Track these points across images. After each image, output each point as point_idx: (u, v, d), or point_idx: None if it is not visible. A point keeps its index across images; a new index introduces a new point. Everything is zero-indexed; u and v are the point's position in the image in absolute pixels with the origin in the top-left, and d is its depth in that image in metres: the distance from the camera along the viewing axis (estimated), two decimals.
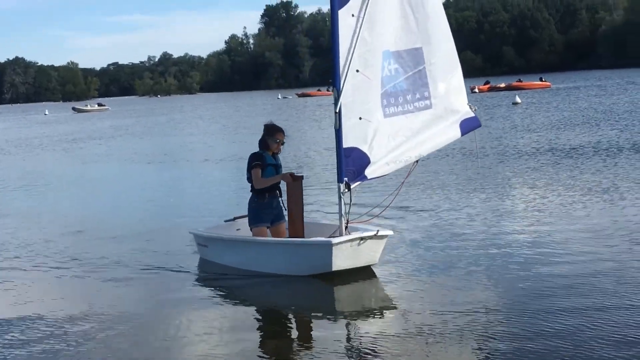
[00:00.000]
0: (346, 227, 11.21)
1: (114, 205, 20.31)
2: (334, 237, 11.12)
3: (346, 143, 11.05)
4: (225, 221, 13.24)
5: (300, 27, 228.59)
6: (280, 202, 11.83)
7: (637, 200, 15.54)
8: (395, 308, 9.76)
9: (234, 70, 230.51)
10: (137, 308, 10.33)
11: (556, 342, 7.97)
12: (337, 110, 11.00)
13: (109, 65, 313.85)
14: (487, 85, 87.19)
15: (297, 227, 11.58)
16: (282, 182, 11.76)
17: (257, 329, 9.48)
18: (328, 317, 9.70)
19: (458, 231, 13.63)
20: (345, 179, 11.03)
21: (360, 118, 11.05)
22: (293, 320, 9.84)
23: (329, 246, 10.80)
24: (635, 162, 21.05)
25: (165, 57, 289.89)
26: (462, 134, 11.71)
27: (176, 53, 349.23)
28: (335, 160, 11.19)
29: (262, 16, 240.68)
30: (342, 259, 10.93)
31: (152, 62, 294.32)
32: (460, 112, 11.66)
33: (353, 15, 10.93)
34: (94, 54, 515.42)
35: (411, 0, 11.28)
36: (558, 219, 14.21)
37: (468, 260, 11.54)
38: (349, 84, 10.98)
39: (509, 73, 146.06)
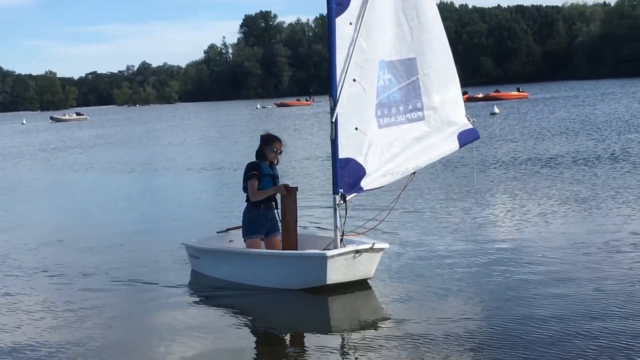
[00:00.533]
0: (341, 240, 10.98)
1: (94, 214, 20.35)
2: (328, 249, 10.87)
3: (342, 154, 10.83)
4: (218, 232, 13.08)
5: (279, 37, 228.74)
6: (276, 213, 11.64)
7: (614, 209, 15.80)
8: (391, 322, 9.52)
9: (213, 79, 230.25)
10: (122, 322, 10.14)
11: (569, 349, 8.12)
12: (334, 120, 10.77)
13: (87, 74, 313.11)
14: (465, 96, 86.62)
15: (291, 239, 11.36)
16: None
17: (249, 344, 9.33)
18: (322, 331, 9.54)
19: (452, 242, 13.56)
20: (341, 190, 10.83)
21: (356, 128, 10.84)
22: (286, 335, 9.61)
23: (323, 259, 10.52)
24: (612, 171, 21.27)
25: (144, 66, 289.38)
26: (460, 146, 11.59)
27: (155, 62, 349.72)
28: (328, 171, 11.32)
29: (241, 26, 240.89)
30: (337, 273, 10.67)
31: (130, 71, 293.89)
32: (457, 124, 11.54)
33: (351, 24, 10.70)
34: (72, 63, 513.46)
35: (406, 10, 11.13)
36: (542, 228, 14.37)
37: (462, 273, 11.44)
38: (345, 93, 10.73)
39: (487, 83, 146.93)
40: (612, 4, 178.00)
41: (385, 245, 11.23)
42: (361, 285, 10.93)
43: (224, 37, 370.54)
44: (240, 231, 11.97)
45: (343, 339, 9.16)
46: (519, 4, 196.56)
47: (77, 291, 11.79)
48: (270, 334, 9.65)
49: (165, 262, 13.47)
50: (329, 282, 10.62)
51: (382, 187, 11.29)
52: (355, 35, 10.69)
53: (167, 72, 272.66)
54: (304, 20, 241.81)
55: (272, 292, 10.95)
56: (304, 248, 11.40)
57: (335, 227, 10.96)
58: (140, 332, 9.76)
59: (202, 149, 42.55)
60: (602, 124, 38.55)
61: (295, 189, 11.46)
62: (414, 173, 11.37)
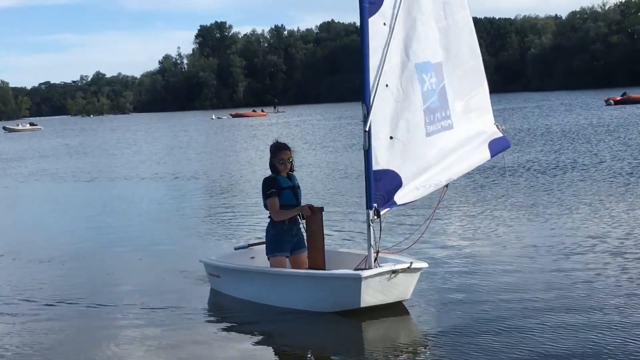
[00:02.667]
0: (375, 259, 9.98)
1: (51, 225, 20.45)
2: (361, 269, 9.96)
3: (375, 165, 9.87)
4: (236, 248, 12.30)
5: (235, 47, 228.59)
6: (301, 228, 10.74)
7: (568, 216, 16.31)
8: (429, 349, 8.72)
9: (168, 90, 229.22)
10: (144, 344, 9.46)
11: None
12: (367, 129, 9.83)
13: (40, 84, 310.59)
14: None
15: (318, 258, 10.52)
16: None
17: None
18: (354, 358, 8.82)
19: (497, 259, 12.80)
20: (375, 205, 9.88)
21: (391, 137, 9.93)
22: None
23: (357, 280, 9.58)
24: (572, 179, 21.82)
25: (98, 76, 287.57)
26: (492, 156, 10.77)
27: (109, 72, 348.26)
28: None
29: (196, 36, 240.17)
30: (372, 294, 9.76)
31: (84, 81, 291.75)
32: (486, 133, 10.76)
33: (385, 24, 9.87)
34: (24, 72, 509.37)
35: (439, 11, 10.38)
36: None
37: (509, 294, 10.59)
38: (378, 100, 9.84)
39: None
40: (564, 17, 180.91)
41: (424, 265, 10.29)
42: (397, 307, 10.08)
43: (178, 48, 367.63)
44: (262, 247, 11.21)
45: None
46: (473, 16, 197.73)
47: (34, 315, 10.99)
48: (296, 359, 9.00)
49: (174, 281, 12.69)
50: (363, 305, 9.74)
51: (414, 201, 10.35)
52: (390, 36, 9.88)
53: (121, 83, 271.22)
54: (259, 31, 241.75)
55: (300, 314, 10.10)
56: (332, 266, 10.50)
57: (369, 245, 9.98)
58: (159, 356, 9.05)
59: (158, 158, 42.56)
60: (558, 134, 39.46)
61: (321, 209, 10.63)
62: (447, 186, 10.42)
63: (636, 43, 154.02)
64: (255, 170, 31.39)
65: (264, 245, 11.07)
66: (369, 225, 9.92)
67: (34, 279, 13.24)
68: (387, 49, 9.82)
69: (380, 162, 9.86)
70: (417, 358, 8.54)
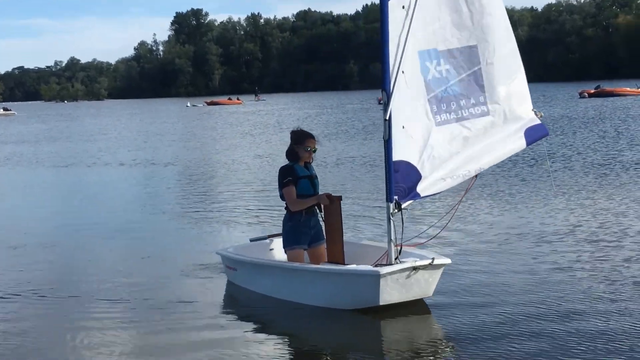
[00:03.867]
0: (397, 256, 9.54)
1: (25, 211, 20.38)
2: (381, 264, 9.53)
3: (395, 155, 9.42)
4: (251, 240, 11.73)
5: (211, 35, 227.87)
6: (320, 219, 10.29)
7: (540, 206, 16.48)
8: (452, 350, 8.25)
9: (143, 77, 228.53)
10: (155, 339, 9.00)
11: None
12: (387, 118, 9.34)
13: (13, 69, 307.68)
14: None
15: (337, 250, 10.04)
16: None
17: None
18: (373, 358, 8.32)
19: (527, 255, 12.16)
20: (395, 197, 9.40)
21: (403, 127, 9.45)
22: None
23: (376, 277, 9.11)
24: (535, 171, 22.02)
25: (73, 62, 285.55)
26: (528, 144, 10.05)
27: (84, 58, 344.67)
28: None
29: (172, 23, 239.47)
30: (391, 292, 9.28)
31: (58, 67, 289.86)
32: (524, 120, 10.03)
33: (403, 7, 9.34)
34: None
35: None
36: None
37: (537, 292, 10.06)
38: (395, 87, 9.36)
39: None
40: (540, 9, 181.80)
41: (447, 261, 9.66)
42: (418, 306, 9.56)
43: (154, 34, 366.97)
44: (281, 238, 10.70)
45: None
46: None
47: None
48: (309, 357, 8.47)
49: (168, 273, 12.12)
50: (382, 303, 9.25)
51: (441, 192, 9.85)
52: (409, 20, 9.34)
53: (96, 69, 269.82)
54: (235, 18, 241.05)
55: (317, 311, 9.63)
56: (351, 260, 10.12)
57: (390, 239, 9.51)
58: (168, 350, 8.61)
59: (133, 145, 42.42)
60: None
61: (339, 198, 10.07)
62: (476, 176, 9.82)
63: (611, 36, 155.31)
64: (235, 158, 31.45)
65: None
66: (389, 219, 9.45)
67: (13, 266, 12.94)
68: (407, 35, 9.32)
69: (398, 152, 9.42)
70: (436, 356, 8.08)
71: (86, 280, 11.72)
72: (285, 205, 10.22)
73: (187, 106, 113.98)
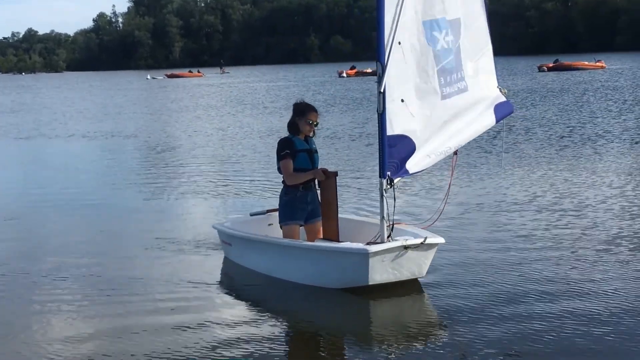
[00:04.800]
0: (390, 233, 9.28)
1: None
2: (373, 242, 9.22)
3: (390, 130, 9.07)
4: (251, 214, 11.29)
5: (171, 7, 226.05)
6: (317, 195, 9.92)
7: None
8: (443, 332, 7.98)
9: (102, 49, 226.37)
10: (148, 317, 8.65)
11: None
12: (382, 90, 8.98)
13: None
14: (354, 70, 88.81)
15: (332, 227, 9.76)
16: None
17: (275, 352, 7.59)
18: (362, 339, 7.96)
19: (520, 232, 11.87)
20: (388, 173, 9.08)
21: (402, 100, 9.12)
22: (320, 343, 7.98)
23: (364, 255, 8.79)
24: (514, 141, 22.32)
25: (30, 33, 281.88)
26: (497, 121, 9.98)
27: (42, 30, 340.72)
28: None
29: None
30: (382, 272, 8.98)
31: (16, 38, 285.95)
32: (491, 97, 9.98)
33: None
34: None
35: None
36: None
37: (532, 270, 9.79)
38: (391, 59, 8.98)
39: None
40: None
41: (440, 240, 9.34)
42: (410, 286, 9.26)
43: (113, 6, 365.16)
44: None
45: (384, 349, 7.63)
46: None
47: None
48: (297, 338, 8.17)
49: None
50: (371, 282, 8.95)
51: (425, 169, 9.66)
52: None
53: (54, 40, 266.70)
54: None
55: (308, 289, 9.34)
56: (346, 237, 9.77)
57: (382, 217, 9.26)
58: (163, 326, 8.27)
59: (91, 116, 42.18)
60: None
61: (335, 173, 9.76)
62: (456, 152, 9.66)
63: (570, 11, 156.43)
64: (198, 130, 31.44)
65: None
66: (382, 196, 9.17)
67: None
68: (402, 3, 8.94)
69: (394, 127, 9.08)
70: (430, 341, 7.72)
71: (43, 258, 11.28)
72: (282, 179, 9.93)
73: (147, 79, 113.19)
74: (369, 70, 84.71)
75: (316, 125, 9.81)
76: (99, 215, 14.60)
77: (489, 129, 10.42)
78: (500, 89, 10.15)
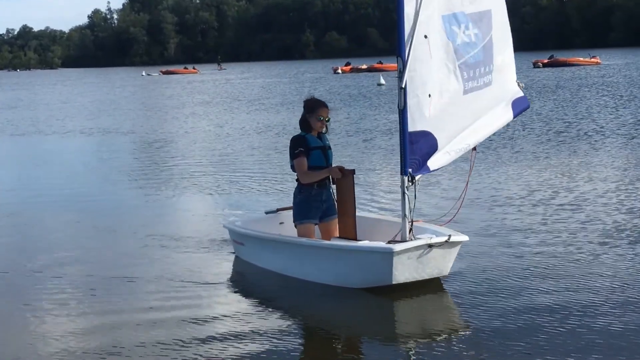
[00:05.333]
0: (410, 230, 9.09)
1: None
2: (394, 241, 9.04)
3: (412, 126, 8.92)
4: (266, 213, 11.13)
5: (166, 3, 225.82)
6: (332, 193, 9.71)
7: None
8: (467, 331, 7.78)
9: (97, 45, 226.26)
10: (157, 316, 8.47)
11: None
12: (403, 86, 8.81)
13: None
14: (349, 67, 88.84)
15: (349, 226, 9.59)
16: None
17: (296, 352, 7.52)
18: (384, 340, 7.79)
19: (543, 229, 11.58)
20: (410, 170, 8.93)
21: (429, 95, 8.97)
22: (341, 343, 7.85)
23: (389, 254, 8.61)
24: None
25: (25, 30, 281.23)
26: (514, 116, 9.73)
27: (36, 27, 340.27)
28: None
29: None
30: (405, 271, 8.79)
31: (10, 35, 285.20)
32: (511, 91, 9.73)
33: None
34: None
35: None
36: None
37: (559, 270, 9.52)
38: (415, 53, 8.80)
39: (374, 55, 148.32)
40: None
41: (464, 238, 9.15)
42: (433, 285, 9.05)
43: (108, 2, 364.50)
44: (292, 212, 10.04)
45: (407, 350, 7.48)
46: None
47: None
48: (320, 338, 7.96)
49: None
50: (394, 282, 8.77)
51: (445, 166, 9.43)
52: None
53: (49, 37, 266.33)
54: None
55: (327, 289, 9.12)
56: (364, 236, 9.60)
57: (404, 215, 9.03)
58: (178, 328, 8.08)
59: (92, 114, 42.12)
60: None
61: (352, 171, 9.58)
62: (474, 149, 9.42)
63: (565, 7, 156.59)
64: (195, 126, 31.46)
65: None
66: (403, 194, 8.97)
67: None
68: None
69: (417, 123, 8.92)
70: (453, 342, 7.48)
71: (39, 255, 11.15)
72: (296, 177, 9.69)
73: (142, 75, 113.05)
74: (364, 67, 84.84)
75: (327, 120, 9.61)
76: (96, 212, 14.45)
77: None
78: (518, 83, 9.91)
